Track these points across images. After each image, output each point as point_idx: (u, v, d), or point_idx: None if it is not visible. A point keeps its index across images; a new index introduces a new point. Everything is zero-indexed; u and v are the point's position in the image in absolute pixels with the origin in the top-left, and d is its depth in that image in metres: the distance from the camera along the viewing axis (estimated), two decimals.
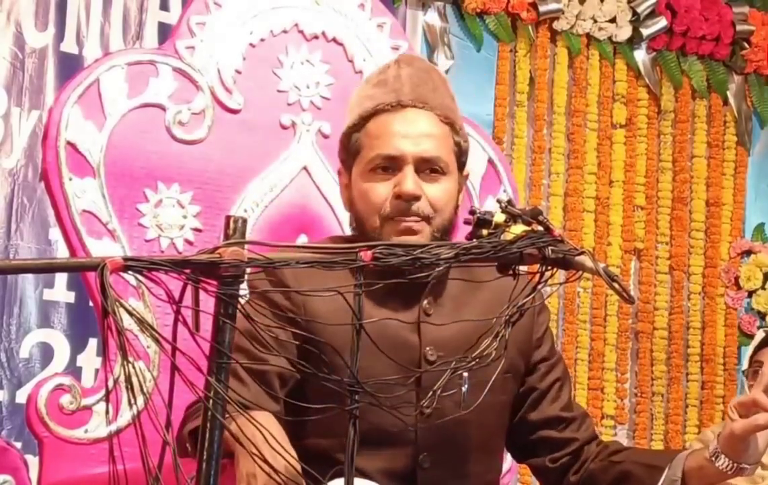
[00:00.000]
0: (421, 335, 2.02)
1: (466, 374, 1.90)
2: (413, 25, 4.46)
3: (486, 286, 1.97)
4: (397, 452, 1.99)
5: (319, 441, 1.93)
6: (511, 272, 1.87)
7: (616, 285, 1.80)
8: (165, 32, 3.90)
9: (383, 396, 1.56)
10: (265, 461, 1.52)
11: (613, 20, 4.75)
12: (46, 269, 2.56)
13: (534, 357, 2.17)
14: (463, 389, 1.95)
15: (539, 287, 1.90)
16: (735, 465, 1.97)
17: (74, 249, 2.44)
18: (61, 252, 3.59)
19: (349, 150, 2.09)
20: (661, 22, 4.80)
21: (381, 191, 2.03)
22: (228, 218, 1.46)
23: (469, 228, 1.93)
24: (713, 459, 1.98)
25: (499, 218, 1.88)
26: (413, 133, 2.05)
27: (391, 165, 2.03)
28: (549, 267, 1.82)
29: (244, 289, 1.45)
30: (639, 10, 4.76)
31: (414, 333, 2.02)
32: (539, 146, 4.64)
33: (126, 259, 1.37)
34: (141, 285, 2.13)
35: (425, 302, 2.05)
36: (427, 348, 2.02)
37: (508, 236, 1.82)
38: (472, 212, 1.93)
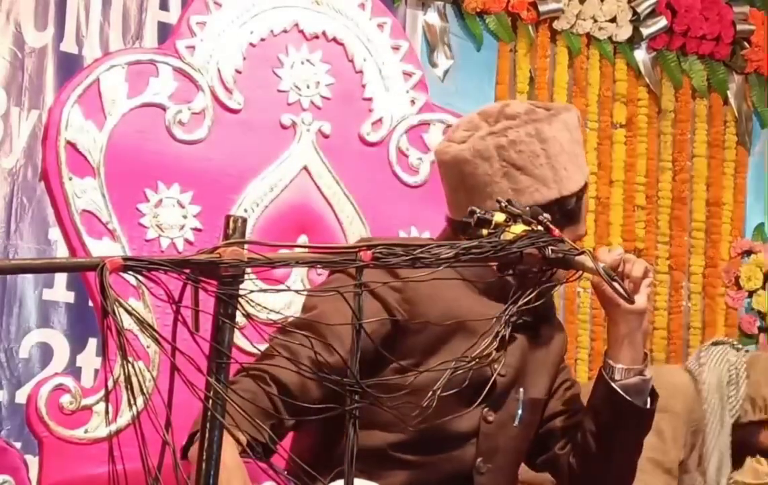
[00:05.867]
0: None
1: (522, 390, 2.09)
2: (413, 25, 4.46)
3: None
4: (460, 454, 2.06)
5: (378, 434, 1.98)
6: (511, 272, 1.87)
7: (616, 285, 1.80)
8: (165, 32, 3.90)
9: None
10: None
11: (613, 20, 4.74)
12: (45, 269, 2.56)
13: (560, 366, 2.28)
14: (519, 410, 2.09)
15: (539, 287, 1.91)
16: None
17: (74, 249, 2.44)
18: (61, 252, 3.58)
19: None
20: (662, 22, 4.79)
21: None
22: (228, 217, 1.46)
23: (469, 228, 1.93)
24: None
25: (499, 217, 1.88)
26: None
27: None
28: (549, 267, 1.82)
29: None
30: (639, 9, 4.75)
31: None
32: None
33: (125, 259, 1.37)
34: (141, 285, 2.13)
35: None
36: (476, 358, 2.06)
37: (508, 235, 1.82)
38: (472, 212, 1.93)
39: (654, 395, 2.10)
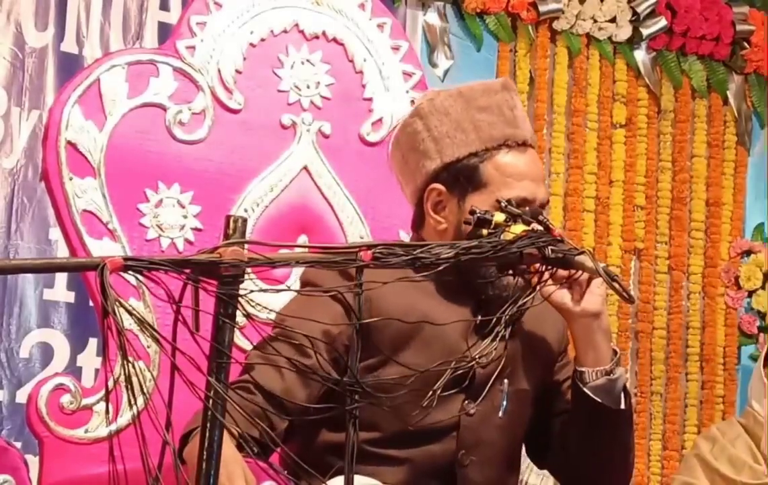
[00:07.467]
0: (468, 343, 2.05)
1: (506, 381, 2.08)
2: (413, 25, 4.46)
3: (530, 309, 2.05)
4: (441, 447, 2.07)
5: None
6: (511, 272, 1.88)
7: (616, 285, 1.81)
8: (165, 32, 3.90)
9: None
10: None
11: (613, 20, 4.74)
12: (46, 269, 2.56)
13: (558, 360, 2.24)
14: (504, 402, 2.09)
15: (539, 286, 1.92)
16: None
17: (74, 249, 2.45)
18: (61, 252, 3.59)
19: (468, 177, 2.09)
20: (661, 22, 4.79)
21: None
22: (228, 217, 1.46)
23: (469, 228, 1.93)
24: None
25: (499, 217, 1.89)
26: (538, 177, 2.12)
27: (521, 206, 2.06)
28: (549, 267, 1.83)
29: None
30: (639, 10, 4.75)
31: (463, 340, 2.05)
32: (539, 146, 4.63)
33: (126, 259, 1.38)
34: (141, 285, 2.13)
35: (479, 318, 2.09)
36: (477, 356, 2.05)
37: (508, 235, 1.83)
38: (472, 212, 1.93)
39: (627, 395, 2.10)
